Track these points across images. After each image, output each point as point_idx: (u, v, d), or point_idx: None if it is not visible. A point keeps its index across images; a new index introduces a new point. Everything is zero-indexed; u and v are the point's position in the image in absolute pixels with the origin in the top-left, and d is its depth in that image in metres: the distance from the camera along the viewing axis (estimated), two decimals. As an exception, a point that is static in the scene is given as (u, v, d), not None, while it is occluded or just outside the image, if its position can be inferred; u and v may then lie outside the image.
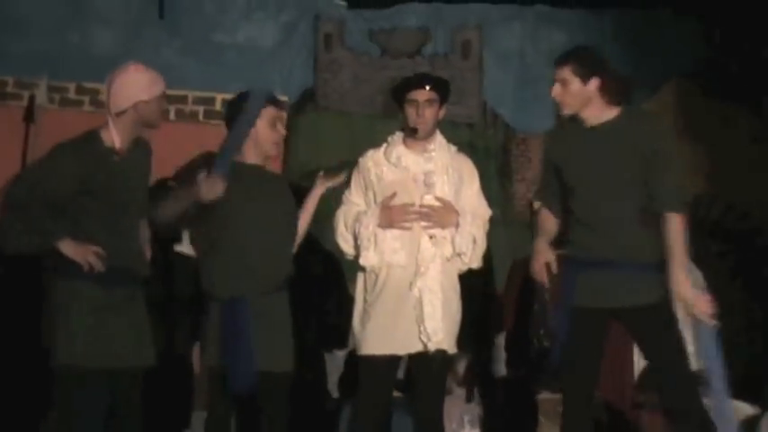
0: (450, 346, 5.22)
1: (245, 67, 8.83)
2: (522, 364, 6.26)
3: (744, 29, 8.51)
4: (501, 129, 8.87)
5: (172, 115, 8.60)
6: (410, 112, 5.30)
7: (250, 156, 5.27)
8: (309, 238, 5.64)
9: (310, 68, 8.92)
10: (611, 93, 4.92)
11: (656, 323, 4.74)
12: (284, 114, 5.31)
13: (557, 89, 4.92)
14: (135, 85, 4.83)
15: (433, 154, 5.31)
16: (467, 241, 5.21)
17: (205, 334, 5.12)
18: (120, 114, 4.85)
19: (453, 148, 5.42)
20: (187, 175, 6.65)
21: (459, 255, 5.24)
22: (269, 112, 5.21)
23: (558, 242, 5.10)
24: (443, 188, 5.27)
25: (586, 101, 4.91)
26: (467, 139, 8.38)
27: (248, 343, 4.97)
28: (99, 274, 4.73)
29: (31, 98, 8.26)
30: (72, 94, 8.60)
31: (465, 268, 5.32)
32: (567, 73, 4.92)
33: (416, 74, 5.67)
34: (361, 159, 5.44)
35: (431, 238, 5.21)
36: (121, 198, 4.84)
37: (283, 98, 8.77)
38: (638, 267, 4.75)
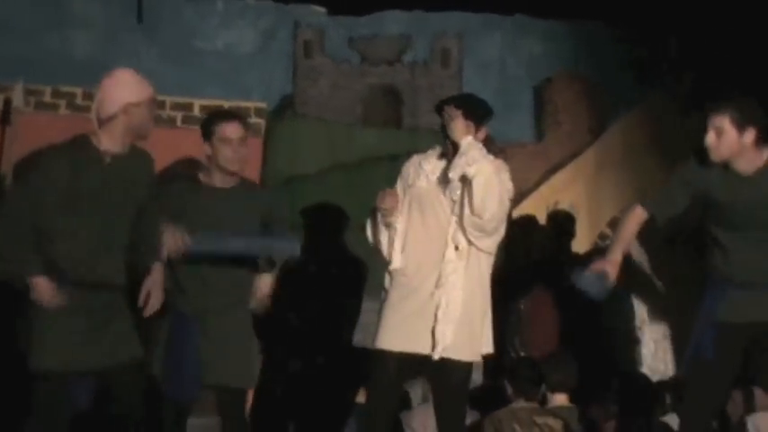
0: (465, 355, 5.20)
1: (224, 74, 8.82)
2: (498, 374, 6.26)
3: (706, 43, 8.56)
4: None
5: (149, 120, 8.56)
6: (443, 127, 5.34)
7: (213, 178, 5.28)
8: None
9: (289, 75, 8.91)
10: (765, 142, 4.81)
11: None
12: (238, 128, 5.24)
13: (711, 138, 4.79)
14: (123, 89, 4.73)
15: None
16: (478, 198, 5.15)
17: (152, 343, 5.18)
18: (109, 120, 4.74)
19: (490, 158, 5.32)
20: (165, 180, 6.62)
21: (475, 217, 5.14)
22: (221, 130, 5.21)
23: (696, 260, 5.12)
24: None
25: (739, 151, 4.82)
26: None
27: (190, 356, 5.09)
28: (74, 281, 4.72)
29: (7, 101, 8.22)
30: (48, 98, 8.57)
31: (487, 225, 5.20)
32: (724, 122, 4.79)
33: (452, 96, 5.66)
34: (405, 163, 5.47)
35: (456, 249, 5.21)
36: (108, 204, 4.77)
37: (262, 105, 8.77)
38: None
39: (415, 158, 5.45)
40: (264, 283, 5.33)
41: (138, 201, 4.90)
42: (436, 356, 5.15)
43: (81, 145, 4.76)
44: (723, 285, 4.88)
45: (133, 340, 4.91)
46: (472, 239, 5.25)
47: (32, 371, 4.75)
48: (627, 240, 5.00)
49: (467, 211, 5.21)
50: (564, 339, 6.78)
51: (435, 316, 5.16)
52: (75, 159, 4.72)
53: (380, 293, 5.40)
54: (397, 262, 5.29)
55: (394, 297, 5.28)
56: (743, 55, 8.40)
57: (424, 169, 5.35)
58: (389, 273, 5.35)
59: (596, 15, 8.81)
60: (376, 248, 5.40)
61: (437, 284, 5.19)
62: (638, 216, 5.00)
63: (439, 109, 5.38)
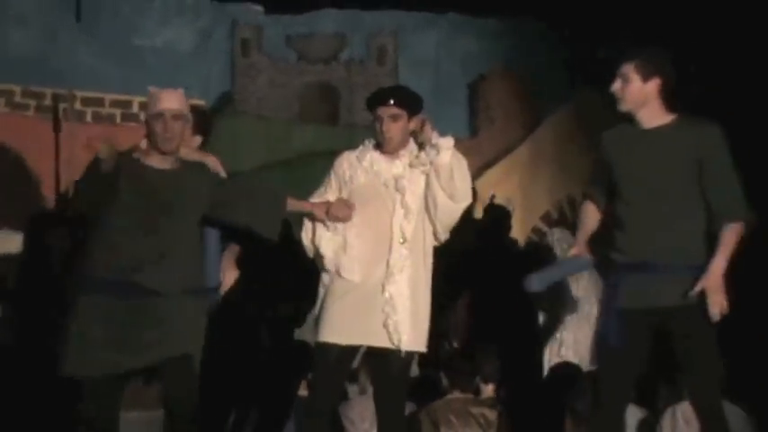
0: (421, 346, 5.25)
1: (163, 71, 8.82)
2: (432, 365, 6.35)
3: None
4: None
5: (89, 117, 8.58)
6: (377, 126, 5.32)
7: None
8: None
9: (228, 73, 8.96)
10: (670, 96, 4.85)
11: (700, 323, 4.75)
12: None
13: (617, 84, 4.82)
14: (148, 103, 4.97)
15: (403, 159, 5.33)
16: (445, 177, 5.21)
17: None
18: (145, 131, 4.96)
19: (432, 152, 5.38)
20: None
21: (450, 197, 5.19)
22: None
23: (599, 244, 5.10)
24: (414, 190, 5.30)
25: (644, 101, 4.83)
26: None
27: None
28: (112, 285, 4.82)
29: (-55, 99, 8.22)
30: (-14, 96, 8.56)
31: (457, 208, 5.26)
32: (629, 70, 4.81)
33: (382, 88, 5.65)
34: (336, 160, 5.46)
35: (403, 242, 5.23)
36: (152, 217, 4.84)
37: (201, 102, 8.81)
38: (681, 268, 4.73)
39: (348, 154, 5.46)
40: (229, 275, 5.35)
41: (188, 210, 4.99)
42: (403, 350, 5.19)
43: (130, 152, 4.92)
44: (621, 269, 4.83)
45: (179, 338, 4.91)
46: (440, 232, 5.29)
47: (65, 375, 4.77)
48: (589, 230, 5.06)
49: (443, 200, 5.22)
50: (498, 331, 6.89)
51: (386, 310, 5.19)
52: (122, 164, 4.85)
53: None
54: (347, 267, 5.31)
55: (337, 291, 5.27)
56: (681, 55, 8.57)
57: (362, 165, 5.37)
58: (329, 270, 5.37)
59: (530, 13, 8.93)
60: (316, 253, 5.39)
61: (386, 277, 5.22)
62: (590, 209, 5.08)
63: (372, 105, 5.40)
